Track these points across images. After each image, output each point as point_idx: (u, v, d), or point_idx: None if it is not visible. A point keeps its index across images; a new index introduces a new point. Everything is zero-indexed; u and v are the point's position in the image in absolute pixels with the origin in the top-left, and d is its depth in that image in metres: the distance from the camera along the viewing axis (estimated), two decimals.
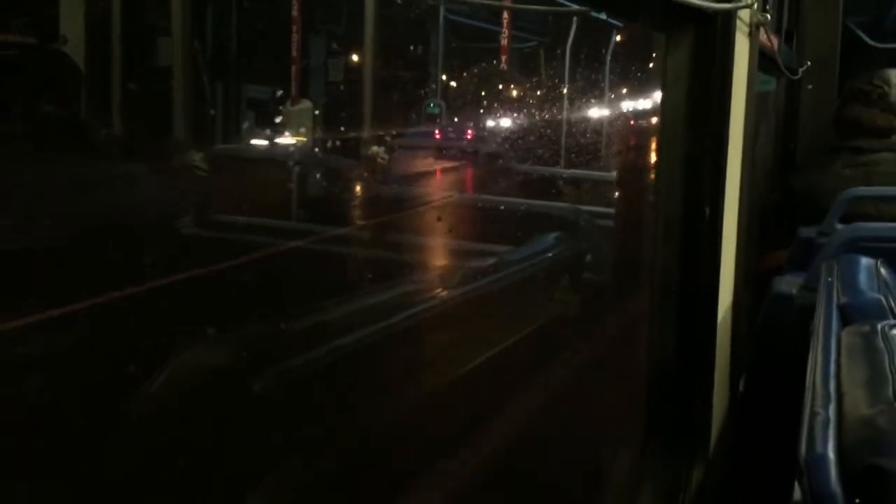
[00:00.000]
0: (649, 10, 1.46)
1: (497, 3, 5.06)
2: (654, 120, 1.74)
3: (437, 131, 4.55)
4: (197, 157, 2.28)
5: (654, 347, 1.73)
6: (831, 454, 0.90)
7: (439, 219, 2.27)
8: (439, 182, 3.43)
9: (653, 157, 1.73)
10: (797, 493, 0.95)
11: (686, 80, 1.58)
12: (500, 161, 3.46)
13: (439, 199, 2.54)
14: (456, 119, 5.08)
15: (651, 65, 2.13)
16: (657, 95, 1.65)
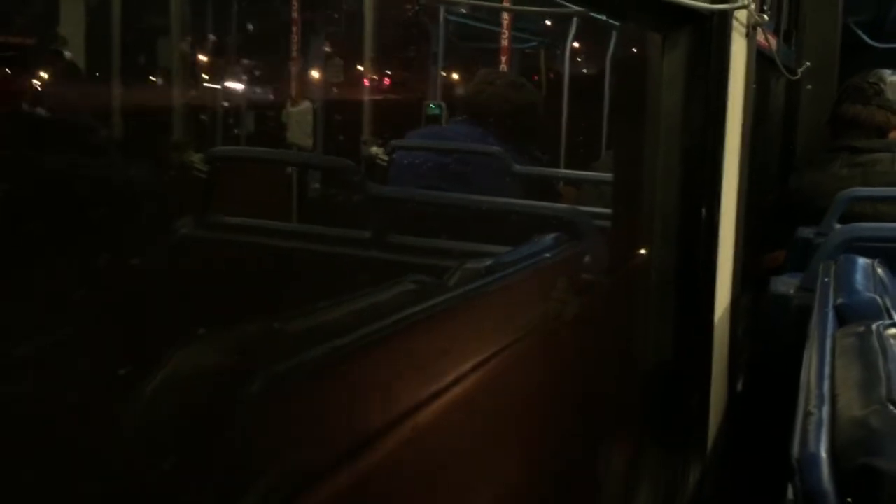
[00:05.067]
0: (644, 11, 1.47)
1: (495, 5, 5.05)
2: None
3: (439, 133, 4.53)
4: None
5: (651, 347, 1.73)
6: (823, 454, 0.90)
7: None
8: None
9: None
10: (790, 493, 0.96)
11: (682, 81, 1.59)
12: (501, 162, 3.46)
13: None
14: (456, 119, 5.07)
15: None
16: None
